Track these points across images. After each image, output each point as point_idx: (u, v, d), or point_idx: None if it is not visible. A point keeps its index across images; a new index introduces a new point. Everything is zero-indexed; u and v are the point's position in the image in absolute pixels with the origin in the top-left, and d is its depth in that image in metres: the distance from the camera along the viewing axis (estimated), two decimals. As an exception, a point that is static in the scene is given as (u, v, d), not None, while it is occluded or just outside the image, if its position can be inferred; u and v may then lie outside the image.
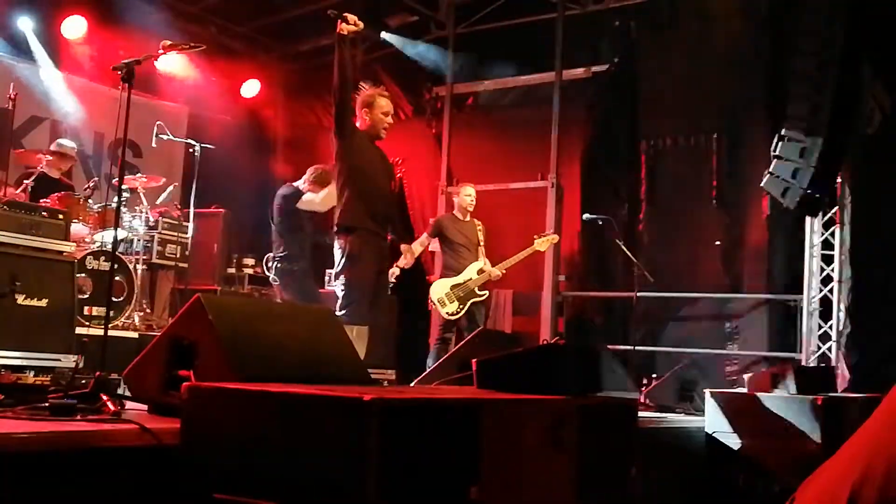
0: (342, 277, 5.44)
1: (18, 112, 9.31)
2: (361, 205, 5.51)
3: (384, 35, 10.23)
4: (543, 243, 8.00)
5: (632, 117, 9.49)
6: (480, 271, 7.84)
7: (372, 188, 5.59)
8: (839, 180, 7.60)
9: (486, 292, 7.92)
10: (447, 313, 7.76)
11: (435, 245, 8.94)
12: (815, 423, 4.54)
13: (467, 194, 8.02)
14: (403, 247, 5.90)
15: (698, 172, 8.96)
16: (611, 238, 8.07)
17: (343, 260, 5.44)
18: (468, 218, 8.05)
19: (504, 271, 7.88)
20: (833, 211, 7.75)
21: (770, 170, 7.33)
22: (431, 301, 7.82)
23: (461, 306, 7.76)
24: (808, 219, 7.85)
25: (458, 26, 10.10)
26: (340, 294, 5.46)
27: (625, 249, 8.28)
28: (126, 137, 3.83)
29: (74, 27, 9.25)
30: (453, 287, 7.79)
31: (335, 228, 5.57)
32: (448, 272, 7.87)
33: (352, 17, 5.35)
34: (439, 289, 7.81)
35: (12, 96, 7.60)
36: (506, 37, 9.96)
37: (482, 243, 8.01)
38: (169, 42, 4.59)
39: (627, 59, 9.52)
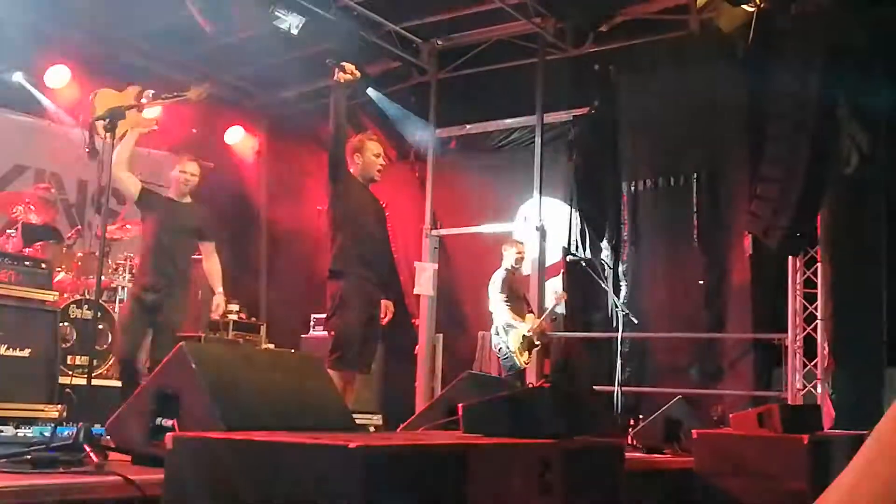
0: (332, 323, 5.41)
1: (1, 160, 9.32)
2: (353, 250, 5.46)
3: (370, 91, 10.28)
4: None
5: (613, 159, 9.57)
6: (534, 321, 8.07)
7: (364, 233, 5.56)
8: (819, 219, 7.67)
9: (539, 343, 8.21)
10: (525, 362, 7.98)
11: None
12: (802, 463, 4.54)
13: (519, 252, 8.14)
14: (385, 303, 5.76)
15: (680, 213, 9.02)
16: (594, 279, 8.09)
17: (334, 305, 5.41)
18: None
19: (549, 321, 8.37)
20: (815, 249, 7.80)
21: (751, 209, 7.40)
22: (513, 352, 7.90)
23: (529, 356, 8.02)
24: (790, 257, 7.90)
25: (439, 72, 10.18)
26: (330, 339, 5.43)
27: (608, 290, 8.32)
28: (109, 185, 3.85)
29: (58, 76, 9.28)
30: (523, 337, 7.93)
31: (327, 274, 5.54)
32: (511, 325, 7.94)
33: (349, 66, 5.38)
34: (515, 339, 7.91)
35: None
36: (487, 81, 10.05)
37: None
38: (153, 92, 4.62)
39: (608, 102, 9.62)
